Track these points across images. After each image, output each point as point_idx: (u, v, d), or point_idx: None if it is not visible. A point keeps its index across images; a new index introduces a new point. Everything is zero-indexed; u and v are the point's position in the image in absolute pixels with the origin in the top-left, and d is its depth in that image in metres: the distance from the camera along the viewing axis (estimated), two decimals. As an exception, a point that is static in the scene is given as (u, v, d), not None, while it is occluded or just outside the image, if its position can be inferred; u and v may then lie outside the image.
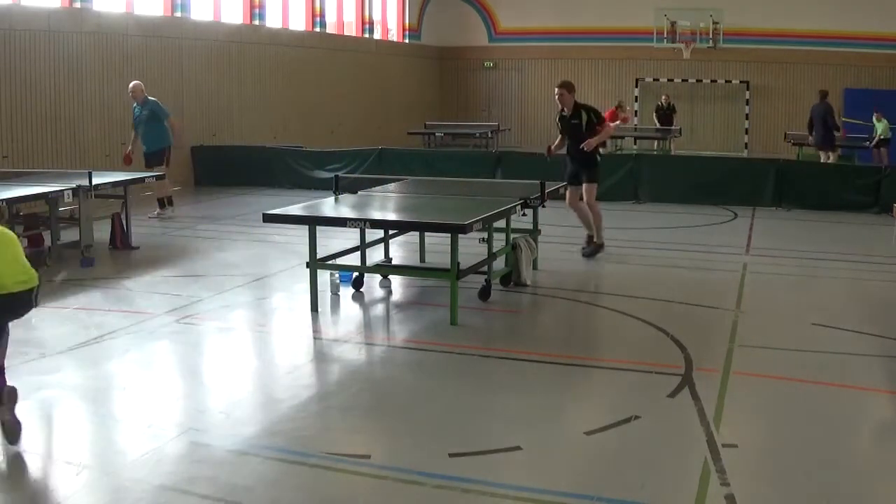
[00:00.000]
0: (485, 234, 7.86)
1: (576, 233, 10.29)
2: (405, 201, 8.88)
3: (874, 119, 19.34)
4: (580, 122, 9.73)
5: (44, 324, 7.15)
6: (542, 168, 10.31)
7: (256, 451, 4.74)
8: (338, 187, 8.78)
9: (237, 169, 16.26)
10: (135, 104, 12.39)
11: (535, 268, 8.95)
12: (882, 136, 18.93)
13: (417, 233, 9.18)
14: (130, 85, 12.42)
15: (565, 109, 9.83)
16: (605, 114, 19.62)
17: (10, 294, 4.74)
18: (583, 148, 9.63)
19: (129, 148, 12.43)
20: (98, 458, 4.71)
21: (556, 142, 10.16)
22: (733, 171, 14.56)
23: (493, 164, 15.38)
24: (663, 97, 22.70)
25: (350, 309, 7.93)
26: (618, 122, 19.46)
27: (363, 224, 7.47)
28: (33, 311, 7.42)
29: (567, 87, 9.79)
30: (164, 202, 12.64)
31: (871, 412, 5.53)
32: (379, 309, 8.08)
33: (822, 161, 16.63)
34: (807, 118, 17.12)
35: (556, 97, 9.84)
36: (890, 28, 23.35)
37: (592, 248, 9.96)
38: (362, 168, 15.45)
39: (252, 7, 19.04)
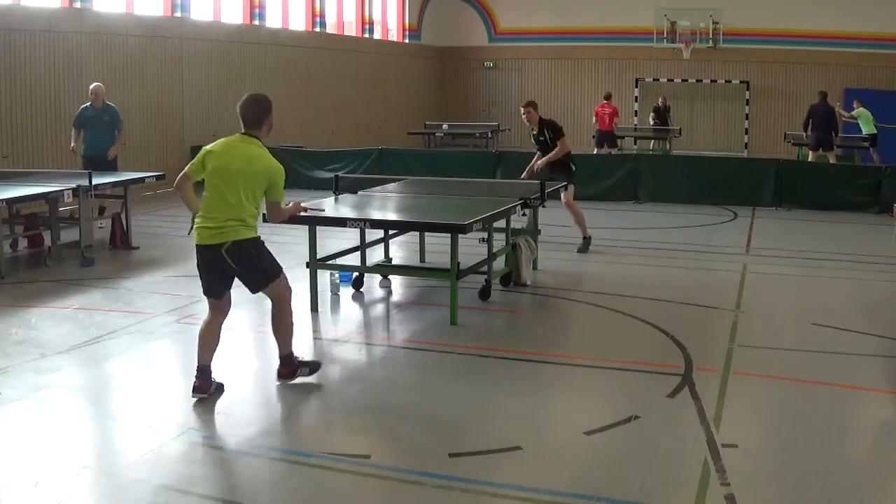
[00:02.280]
0: (485, 235, 7.86)
1: (578, 233, 10.29)
2: (405, 201, 8.88)
3: (853, 107, 19.59)
4: (545, 138, 10.03)
5: (44, 324, 7.15)
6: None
7: (256, 451, 4.74)
8: (338, 187, 8.78)
9: (237, 169, 16.22)
10: (88, 104, 11.22)
11: (535, 268, 8.95)
12: (866, 131, 19.05)
13: (417, 233, 9.17)
14: (93, 86, 11.26)
15: (534, 127, 10.14)
16: (608, 112, 19.62)
17: None
18: (538, 166, 10.09)
19: (73, 144, 11.23)
20: (98, 458, 4.72)
21: (536, 158, 10.34)
22: (733, 171, 14.57)
23: (493, 164, 15.39)
24: (660, 99, 22.78)
25: (350, 309, 7.93)
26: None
27: (363, 224, 7.48)
28: (33, 311, 7.48)
29: (532, 105, 10.12)
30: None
31: (871, 412, 5.53)
32: (379, 309, 8.08)
33: (809, 160, 16.67)
34: (804, 117, 17.11)
35: (524, 117, 10.13)
36: (890, 28, 23.36)
37: (584, 244, 10.21)
38: (362, 168, 15.45)
39: (252, 7, 19.04)
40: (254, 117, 5.45)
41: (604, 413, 5.34)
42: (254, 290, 5.72)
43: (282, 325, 5.70)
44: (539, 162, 10.09)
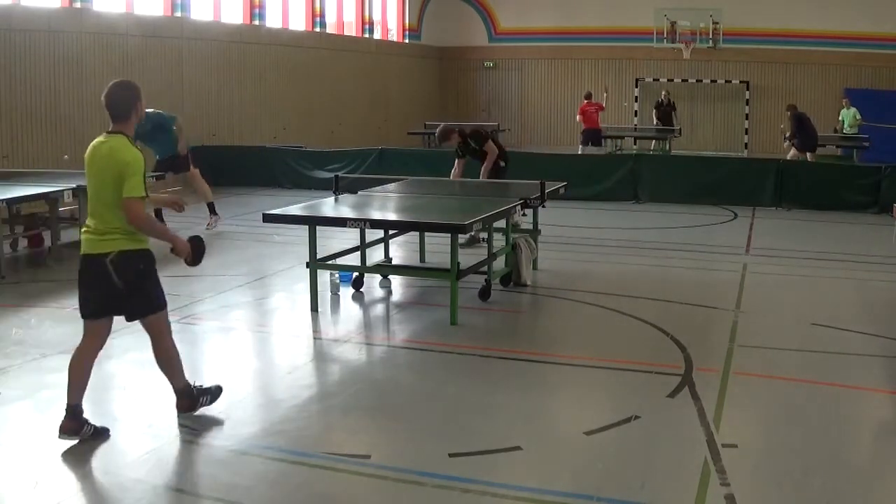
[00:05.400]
0: (480, 234, 7.85)
1: (578, 233, 10.29)
2: (405, 201, 8.88)
3: (843, 106, 20.20)
4: (473, 147, 10.46)
5: (44, 324, 7.16)
6: (543, 168, 10.33)
7: (256, 451, 4.74)
8: (338, 187, 8.78)
9: (237, 169, 16.25)
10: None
11: (535, 268, 8.95)
12: (849, 129, 19.41)
13: (417, 233, 9.17)
14: None
15: (458, 148, 10.50)
16: (593, 109, 19.65)
17: None
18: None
19: None
20: (98, 458, 4.71)
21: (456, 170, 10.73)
22: (733, 171, 14.56)
23: (493, 164, 15.34)
24: (663, 93, 22.73)
25: (350, 309, 7.93)
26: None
27: (363, 224, 7.47)
28: (33, 311, 7.48)
29: (444, 136, 10.42)
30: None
31: (871, 412, 5.53)
32: (379, 309, 8.08)
33: (788, 158, 16.65)
34: (788, 124, 17.04)
35: (448, 145, 10.52)
36: (890, 28, 23.36)
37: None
38: (362, 168, 15.45)
39: (252, 7, 19.04)
40: (116, 108, 4.82)
41: (604, 413, 5.34)
42: (130, 317, 5.00)
43: (168, 358, 5.09)
44: (481, 179, 10.22)
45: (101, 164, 4.77)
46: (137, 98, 4.87)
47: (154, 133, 11.40)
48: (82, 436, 4.78)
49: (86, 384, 4.90)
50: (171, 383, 5.15)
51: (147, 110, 11.16)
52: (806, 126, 16.48)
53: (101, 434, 4.88)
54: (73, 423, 4.77)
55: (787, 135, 16.68)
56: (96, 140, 4.89)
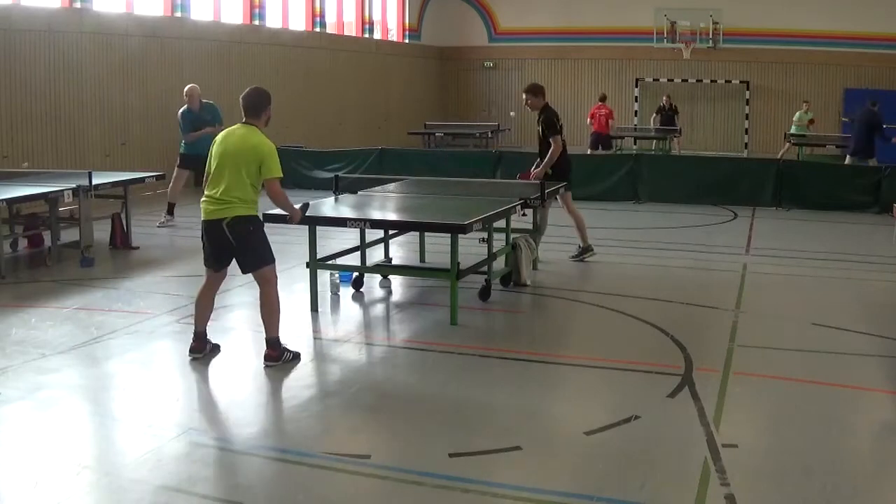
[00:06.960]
0: (484, 234, 7.86)
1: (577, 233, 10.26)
2: (405, 201, 8.88)
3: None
4: (540, 127, 9.32)
5: (44, 324, 7.15)
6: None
7: (256, 451, 4.74)
8: (338, 187, 8.79)
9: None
10: (185, 107, 11.76)
11: (535, 268, 8.95)
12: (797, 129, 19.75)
13: (417, 233, 9.17)
14: (186, 88, 11.74)
15: (537, 116, 9.44)
16: (604, 113, 19.56)
17: None
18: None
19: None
20: (98, 458, 4.72)
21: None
22: (733, 171, 14.56)
23: (493, 164, 15.38)
24: (664, 98, 22.55)
25: (350, 309, 7.93)
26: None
27: (363, 224, 7.48)
28: (33, 311, 7.48)
29: (532, 91, 9.21)
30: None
31: (871, 412, 5.53)
32: (379, 309, 8.08)
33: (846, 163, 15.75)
34: (845, 122, 16.03)
35: (526, 105, 9.34)
36: (890, 28, 23.37)
37: (580, 252, 9.67)
38: (363, 168, 15.45)
39: (252, 7, 19.04)
40: (252, 107, 6.03)
41: (604, 413, 5.34)
42: (245, 270, 6.13)
43: (271, 305, 6.09)
44: (535, 171, 9.27)
45: (236, 147, 5.90)
46: (268, 101, 6.09)
47: (210, 125, 11.62)
48: (205, 353, 6.18)
49: (209, 315, 6.21)
50: (266, 331, 6.10)
51: (211, 102, 11.79)
52: (854, 128, 15.29)
53: (216, 349, 6.29)
54: (198, 344, 6.16)
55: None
56: (229, 129, 6.10)
